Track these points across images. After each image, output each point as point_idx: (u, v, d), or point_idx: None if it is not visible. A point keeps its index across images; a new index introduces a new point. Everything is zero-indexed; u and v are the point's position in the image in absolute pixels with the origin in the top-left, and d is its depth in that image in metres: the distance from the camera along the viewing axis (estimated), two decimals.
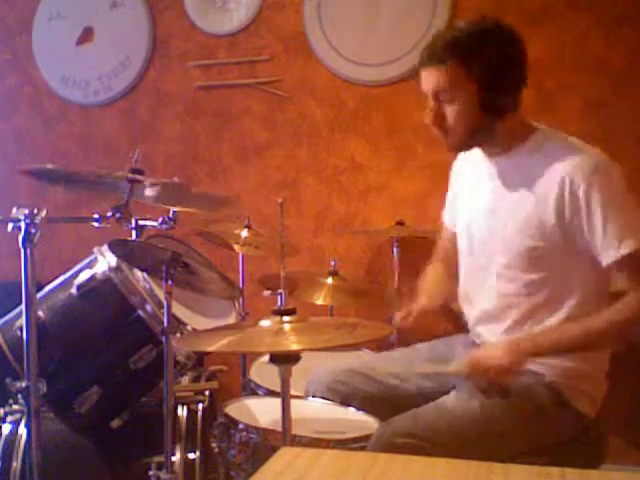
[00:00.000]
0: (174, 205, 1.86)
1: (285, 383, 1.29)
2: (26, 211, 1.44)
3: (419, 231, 2.59)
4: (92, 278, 1.78)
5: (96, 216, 1.58)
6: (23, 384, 1.47)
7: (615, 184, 1.44)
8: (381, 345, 2.44)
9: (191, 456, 1.96)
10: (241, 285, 2.63)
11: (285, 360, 1.27)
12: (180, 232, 2.02)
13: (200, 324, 1.85)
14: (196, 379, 2.21)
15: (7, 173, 3.38)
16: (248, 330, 1.34)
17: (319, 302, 2.25)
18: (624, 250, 1.40)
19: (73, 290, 1.78)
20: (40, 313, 1.72)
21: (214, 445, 1.64)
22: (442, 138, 1.55)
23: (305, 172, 3.00)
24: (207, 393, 2.06)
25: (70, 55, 3.26)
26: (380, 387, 1.68)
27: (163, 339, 1.63)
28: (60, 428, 1.82)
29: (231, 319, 2.02)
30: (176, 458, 1.88)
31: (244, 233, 2.51)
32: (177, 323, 1.74)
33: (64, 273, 1.87)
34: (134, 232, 1.93)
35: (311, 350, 1.27)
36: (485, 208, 1.60)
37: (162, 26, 3.14)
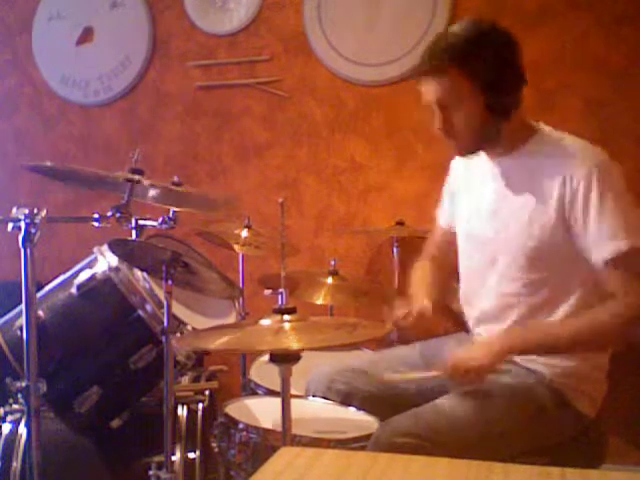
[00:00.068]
0: (174, 205, 1.87)
1: (285, 383, 1.29)
2: (26, 211, 1.44)
3: (419, 231, 2.59)
4: (92, 278, 1.78)
5: (96, 216, 1.58)
6: (23, 384, 1.47)
7: (615, 183, 1.45)
8: (381, 345, 2.44)
9: (191, 456, 1.96)
10: (241, 285, 2.63)
11: (285, 359, 1.27)
12: (180, 232, 2.02)
13: (200, 324, 1.84)
14: (196, 379, 2.21)
15: (7, 173, 3.38)
16: (248, 329, 1.34)
17: (319, 302, 2.26)
18: (616, 249, 1.40)
19: (73, 290, 1.78)
20: (40, 313, 1.72)
21: (214, 445, 1.64)
22: (452, 145, 1.56)
23: (305, 172, 3.00)
24: (207, 393, 2.06)
25: (70, 55, 3.26)
26: (380, 387, 1.68)
27: (163, 339, 1.63)
28: (60, 428, 1.81)
29: (231, 319, 2.02)
30: (176, 458, 1.88)
31: (244, 233, 2.51)
32: (177, 323, 1.74)
33: (64, 273, 1.87)
34: (134, 232, 1.93)
35: (311, 349, 1.27)
36: (487, 209, 1.60)
37: (162, 26, 3.14)
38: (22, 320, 1.49)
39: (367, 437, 1.45)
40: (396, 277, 2.71)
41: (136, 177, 1.59)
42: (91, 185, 1.90)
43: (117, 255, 1.72)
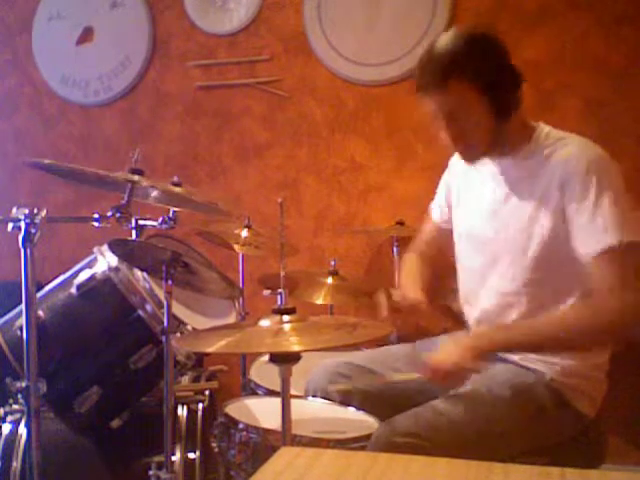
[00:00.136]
0: (174, 205, 1.87)
1: (285, 383, 1.29)
2: (26, 211, 1.44)
3: (419, 231, 2.59)
4: (92, 278, 1.78)
5: (96, 216, 1.57)
6: (23, 384, 1.47)
7: (613, 181, 1.44)
8: (381, 345, 2.44)
9: (191, 456, 1.96)
10: (241, 285, 2.63)
11: (285, 360, 1.27)
12: (180, 232, 2.02)
13: (200, 324, 1.84)
14: (196, 379, 2.21)
15: (7, 173, 3.38)
16: (248, 330, 1.34)
17: (319, 302, 2.26)
18: (604, 244, 1.39)
19: (73, 290, 1.78)
20: (40, 313, 1.72)
21: (214, 445, 1.64)
22: (463, 153, 1.56)
23: (305, 172, 3.00)
24: (207, 393, 2.06)
25: (70, 55, 3.26)
26: (380, 387, 1.68)
27: (163, 339, 1.63)
28: (60, 428, 1.81)
29: (231, 319, 2.02)
30: (176, 458, 1.88)
31: (244, 233, 2.51)
32: (177, 323, 1.74)
33: (64, 273, 1.87)
34: (134, 232, 1.93)
35: (311, 350, 1.26)
36: (487, 209, 1.60)
37: (162, 26, 3.15)
38: (22, 320, 1.49)
39: (367, 437, 1.45)
40: (396, 277, 2.71)
41: (136, 177, 1.59)
42: (91, 184, 1.90)
43: (117, 255, 1.72)
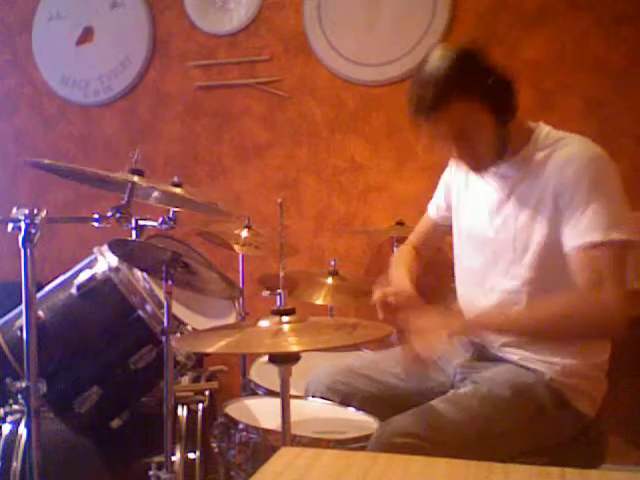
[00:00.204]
0: (175, 205, 1.87)
1: (285, 383, 1.29)
2: (26, 211, 1.44)
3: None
4: (92, 278, 1.78)
5: (96, 216, 1.57)
6: (23, 384, 1.47)
7: (611, 179, 1.44)
8: (381, 345, 2.44)
9: (191, 456, 1.96)
10: (241, 285, 2.63)
11: (285, 360, 1.27)
12: (180, 232, 2.02)
13: (200, 324, 1.85)
14: (196, 379, 2.21)
15: (7, 173, 3.39)
16: (247, 330, 1.34)
17: (319, 302, 2.26)
18: (590, 239, 1.39)
19: (73, 290, 1.78)
20: (40, 313, 1.72)
21: (214, 445, 1.64)
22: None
23: (305, 172, 3.00)
24: (207, 393, 2.06)
25: (70, 55, 3.26)
26: (380, 387, 1.68)
27: (163, 339, 1.63)
28: (60, 428, 1.82)
29: (231, 319, 2.02)
30: (176, 458, 1.88)
31: (244, 233, 2.51)
32: (177, 323, 1.75)
33: (64, 273, 1.87)
34: (134, 232, 1.93)
35: (311, 351, 1.26)
36: (488, 209, 1.60)
37: (162, 26, 3.15)
38: (22, 320, 1.49)
39: (367, 437, 1.45)
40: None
41: (136, 177, 1.59)
42: (92, 183, 1.90)
43: (117, 255, 1.72)
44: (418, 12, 2.77)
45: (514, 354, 1.58)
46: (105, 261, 1.80)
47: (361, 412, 1.63)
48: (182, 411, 1.99)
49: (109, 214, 1.56)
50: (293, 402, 1.33)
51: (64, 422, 1.81)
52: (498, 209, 1.58)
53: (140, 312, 1.75)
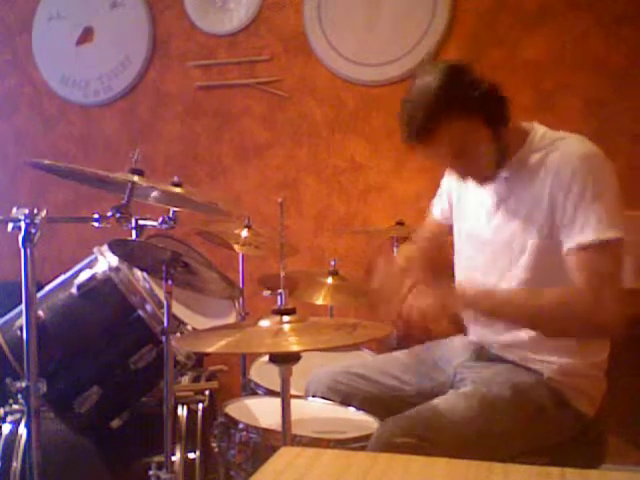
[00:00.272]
0: (174, 205, 1.87)
1: (285, 383, 1.29)
2: (26, 211, 1.44)
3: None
4: (92, 278, 1.78)
5: (96, 216, 1.57)
6: (23, 384, 1.47)
7: (606, 179, 1.44)
8: (381, 345, 2.44)
9: (191, 456, 1.96)
10: (241, 285, 2.63)
11: (285, 360, 1.27)
12: (180, 232, 2.02)
13: (200, 324, 1.84)
14: (196, 379, 2.21)
15: (7, 173, 3.39)
16: (248, 330, 1.34)
17: (319, 302, 2.25)
18: (584, 239, 1.39)
19: (73, 290, 1.78)
20: (40, 313, 1.72)
21: (214, 445, 1.64)
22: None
23: (305, 172, 3.00)
24: (207, 393, 2.06)
25: (70, 55, 3.26)
26: (380, 387, 1.68)
27: (163, 339, 1.63)
28: (60, 428, 1.81)
29: (231, 319, 2.02)
30: (176, 458, 1.88)
31: (244, 233, 2.50)
32: (177, 323, 1.74)
33: (64, 273, 1.87)
34: (134, 232, 1.93)
35: (311, 350, 1.27)
36: (487, 209, 1.61)
37: (162, 26, 3.15)
38: (22, 320, 1.49)
39: (367, 437, 1.45)
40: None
41: (136, 177, 1.59)
42: (91, 184, 1.90)
43: (117, 255, 1.72)
44: (418, 12, 2.77)
45: (513, 354, 1.58)
46: (105, 261, 1.80)
47: (361, 412, 1.63)
48: (182, 411, 1.99)
49: (109, 214, 1.56)
50: (293, 402, 1.33)
51: (64, 422, 1.81)
52: (495, 211, 1.58)
53: (140, 312, 1.75)
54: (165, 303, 1.61)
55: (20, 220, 1.44)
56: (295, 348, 1.21)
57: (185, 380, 2.19)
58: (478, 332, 1.67)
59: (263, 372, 2.03)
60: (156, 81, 3.18)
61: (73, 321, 1.79)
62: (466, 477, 0.84)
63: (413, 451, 1.34)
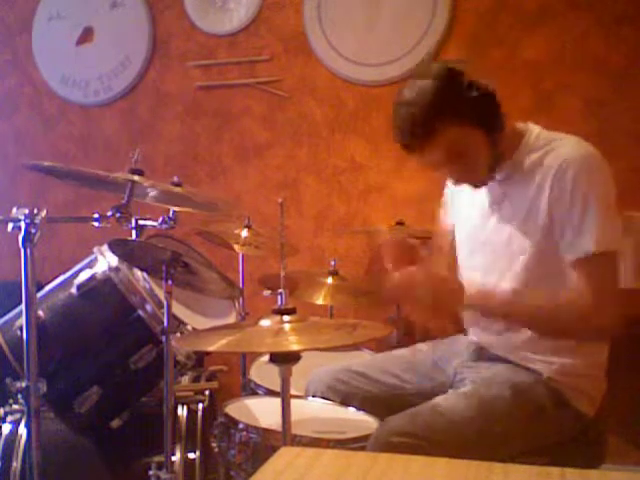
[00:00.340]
0: (174, 205, 1.87)
1: (285, 383, 1.29)
2: (26, 211, 1.44)
3: (419, 231, 2.58)
4: (92, 278, 1.78)
5: (96, 216, 1.57)
6: (23, 384, 1.47)
7: (604, 183, 1.45)
8: (381, 345, 2.44)
9: (191, 456, 1.96)
10: (241, 285, 2.63)
11: (285, 360, 1.27)
12: (180, 232, 2.02)
13: (200, 324, 1.84)
14: (196, 379, 2.21)
15: (7, 173, 3.39)
16: (248, 330, 1.34)
17: (319, 302, 2.25)
18: (585, 250, 1.41)
19: (73, 290, 1.78)
20: (40, 313, 1.72)
21: (214, 445, 1.64)
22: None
23: (305, 172, 3.00)
24: (207, 393, 2.06)
25: (70, 55, 3.26)
26: (380, 386, 1.68)
27: (163, 339, 1.63)
28: (60, 428, 1.81)
29: (231, 319, 2.02)
30: (176, 458, 1.88)
31: (244, 233, 2.50)
32: (177, 323, 1.74)
33: (64, 273, 1.87)
34: (134, 232, 1.93)
35: (311, 350, 1.27)
36: (485, 210, 1.61)
37: (162, 26, 3.15)
38: (22, 320, 1.49)
39: (367, 437, 1.45)
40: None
41: (136, 177, 1.59)
42: (91, 185, 1.90)
43: (117, 255, 1.72)
44: (418, 12, 2.77)
45: (513, 354, 1.58)
46: (105, 261, 1.80)
47: (361, 412, 1.63)
48: (182, 411, 1.99)
49: (109, 214, 1.56)
50: (293, 402, 1.33)
51: (64, 422, 1.81)
52: (493, 212, 1.59)
53: (140, 312, 1.75)
54: (165, 303, 1.61)
55: (20, 220, 1.44)
56: (295, 348, 1.21)
57: (185, 380, 2.19)
58: (478, 332, 1.67)
59: (263, 372, 2.03)
60: (156, 81, 3.18)
61: (73, 321, 1.79)
62: (466, 477, 0.84)
63: (412, 451, 1.34)
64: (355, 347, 2.31)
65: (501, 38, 2.71)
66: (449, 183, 1.81)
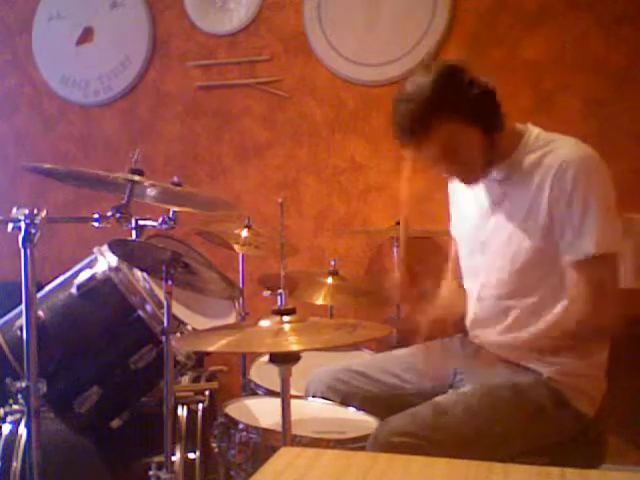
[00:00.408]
0: (174, 205, 1.87)
1: (285, 383, 1.29)
2: (26, 211, 1.44)
3: (419, 231, 2.58)
4: (92, 278, 1.78)
5: (96, 216, 1.57)
6: (23, 384, 1.47)
7: (602, 185, 1.45)
8: (381, 345, 2.44)
9: (191, 456, 1.96)
10: (241, 285, 2.63)
11: (285, 360, 1.27)
12: (180, 232, 2.02)
13: (200, 324, 1.84)
14: (196, 379, 2.21)
15: (7, 174, 3.38)
16: (248, 330, 1.34)
17: (319, 302, 2.25)
18: (584, 252, 1.41)
19: (73, 290, 1.78)
20: (40, 313, 1.72)
21: (214, 445, 1.64)
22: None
23: (305, 172, 3.00)
24: (207, 393, 2.06)
25: (70, 55, 3.26)
26: (380, 386, 1.68)
27: (163, 339, 1.63)
28: (60, 428, 1.81)
29: (231, 319, 2.02)
30: (176, 458, 1.88)
31: (244, 233, 2.51)
32: (177, 323, 1.74)
33: (64, 273, 1.87)
34: (134, 232, 1.93)
35: (311, 350, 1.27)
36: (484, 212, 1.61)
37: (162, 26, 3.15)
38: (22, 320, 1.49)
39: (366, 437, 1.45)
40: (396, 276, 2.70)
41: (136, 177, 1.59)
42: (91, 185, 1.90)
43: (117, 255, 1.72)
44: (418, 12, 2.77)
45: (513, 354, 1.58)
46: (105, 261, 1.80)
47: (361, 412, 1.63)
48: (182, 411, 1.99)
49: (109, 214, 1.56)
50: (293, 402, 1.33)
51: (64, 422, 1.81)
52: (493, 212, 1.59)
53: (140, 312, 1.75)
54: (165, 303, 1.61)
55: (20, 220, 1.44)
56: (295, 348, 1.21)
57: (185, 380, 2.19)
58: (479, 332, 1.67)
59: (263, 372, 2.03)
60: (156, 81, 3.18)
61: (73, 321, 1.79)
62: (466, 477, 0.84)
63: (412, 451, 1.34)
64: (355, 347, 2.31)
65: (501, 38, 2.71)
66: (449, 184, 1.81)
